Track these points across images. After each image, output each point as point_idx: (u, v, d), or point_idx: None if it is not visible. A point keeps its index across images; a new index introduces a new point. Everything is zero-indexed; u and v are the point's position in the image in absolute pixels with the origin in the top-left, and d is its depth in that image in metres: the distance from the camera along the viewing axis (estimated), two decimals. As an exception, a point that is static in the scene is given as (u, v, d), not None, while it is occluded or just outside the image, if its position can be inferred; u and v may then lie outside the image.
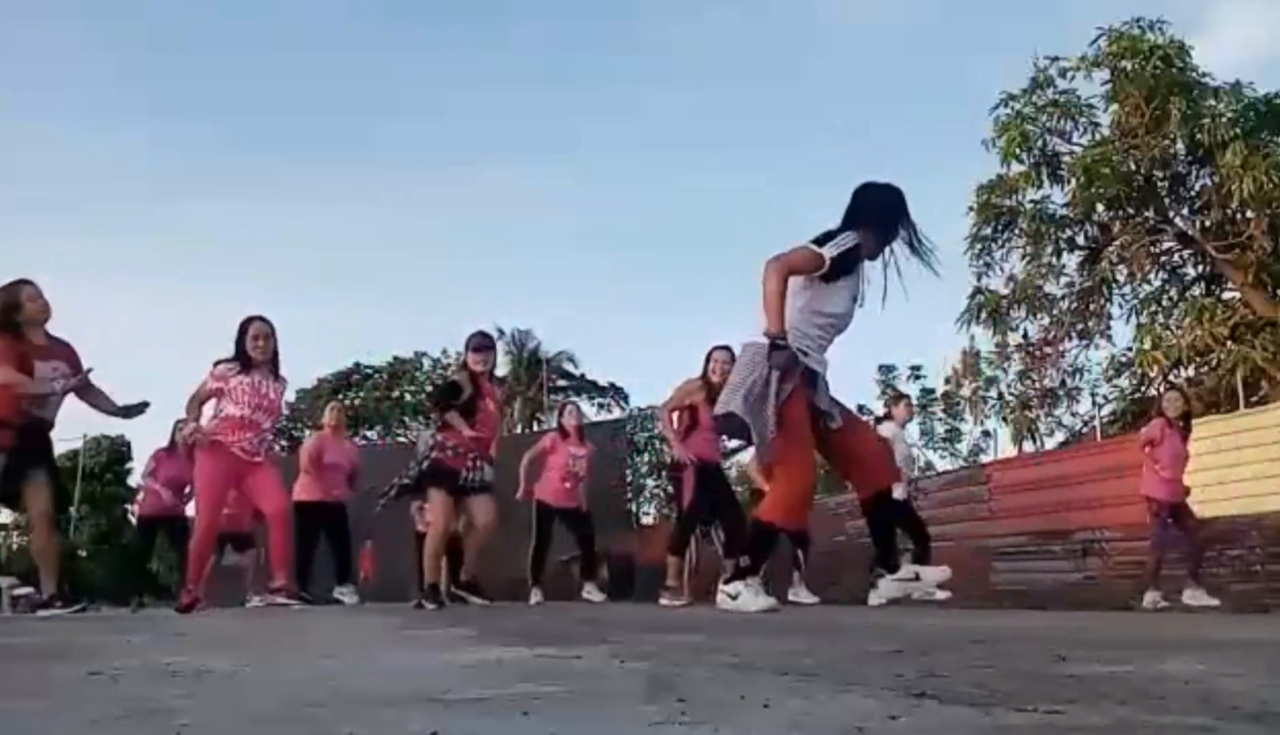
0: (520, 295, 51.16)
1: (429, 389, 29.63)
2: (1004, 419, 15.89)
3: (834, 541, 10.48)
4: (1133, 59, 12.76)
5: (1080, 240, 14.29)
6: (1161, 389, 12.97)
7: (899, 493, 6.55)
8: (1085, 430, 14.98)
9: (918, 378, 21.72)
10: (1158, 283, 14.43)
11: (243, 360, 5.51)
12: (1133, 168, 12.97)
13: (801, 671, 1.60)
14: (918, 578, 3.91)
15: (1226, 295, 13.73)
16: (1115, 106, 13.25)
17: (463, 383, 6.07)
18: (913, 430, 8.54)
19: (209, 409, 5.56)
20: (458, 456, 5.97)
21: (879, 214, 3.87)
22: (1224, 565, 7.71)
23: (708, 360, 6.35)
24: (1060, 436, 15.61)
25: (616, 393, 30.38)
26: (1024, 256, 14.24)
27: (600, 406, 29.24)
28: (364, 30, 44.76)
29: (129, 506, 30.36)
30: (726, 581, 3.97)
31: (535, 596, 7.31)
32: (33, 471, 4.85)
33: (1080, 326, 14.57)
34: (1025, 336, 14.83)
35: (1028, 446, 14.92)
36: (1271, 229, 12.16)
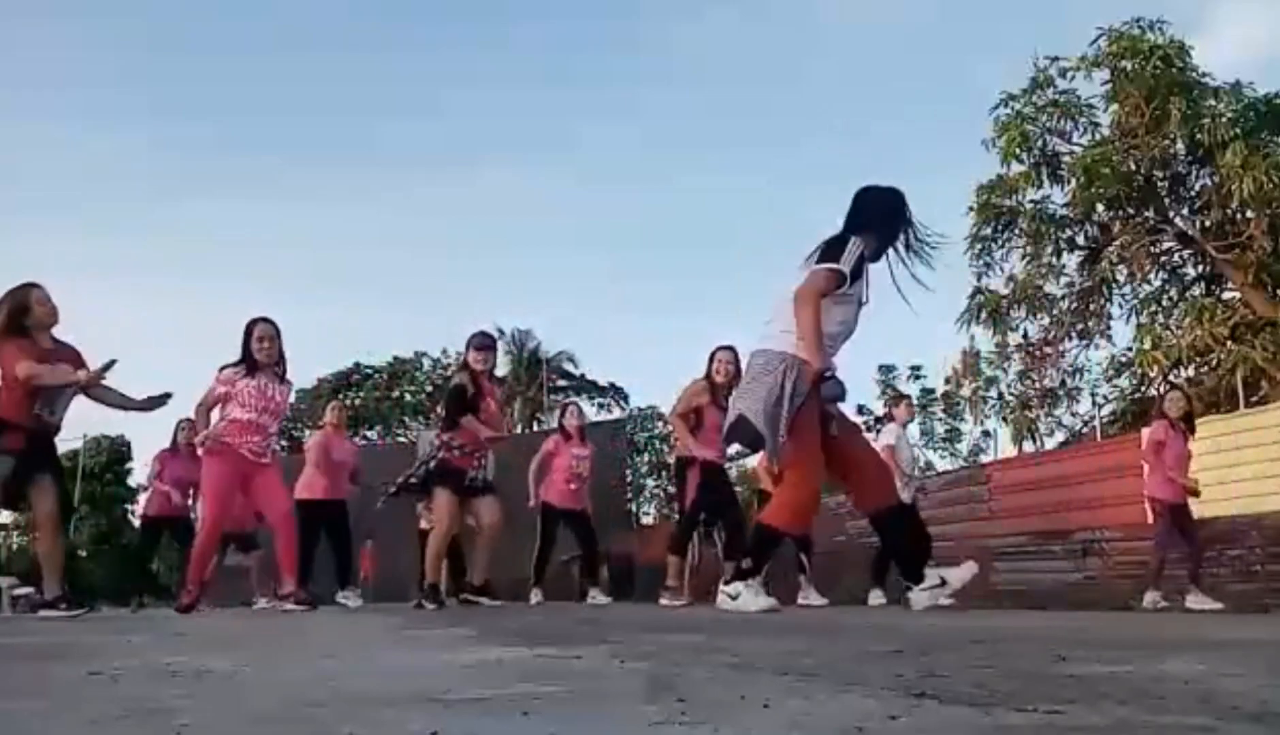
0: (520, 295, 51.23)
1: (429, 389, 29.70)
2: (1004, 419, 15.90)
3: (834, 542, 10.48)
4: (1133, 59, 12.76)
5: (1080, 240, 14.29)
6: (1162, 389, 12.97)
7: (905, 496, 6.56)
8: (1085, 430, 14.98)
9: (918, 378, 21.73)
10: (1158, 283, 14.44)
11: (248, 363, 5.53)
12: (1133, 168, 12.97)
13: (801, 671, 1.60)
14: (943, 582, 3.91)
15: (1226, 295, 13.73)
16: (1115, 106, 13.25)
17: (465, 383, 6.10)
18: (913, 430, 8.54)
19: (215, 413, 5.59)
20: (465, 456, 6.02)
21: (881, 217, 3.89)
22: (1224, 565, 7.71)
23: (711, 360, 6.35)
24: (1060, 436, 15.63)
25: (616, 393, 30.41)
26: (1024, 256, 14.25)
27: (600, 406, 29.29)
28: (364, 30, 44.84)
29: (129, 506, 30.40)
30: (727, 582, 3.97)
31: (535, 597, 7.32)
32: (39, 475, 4.86)
33: (1080, 326, 14.57)
34: (1025, 336, 14.84)
35: (1028, 446, 14.94)
36: (1271, 229, 12.16)
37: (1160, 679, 1.46)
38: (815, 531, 7.38)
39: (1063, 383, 15.13)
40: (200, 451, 8.00)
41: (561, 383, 29.54)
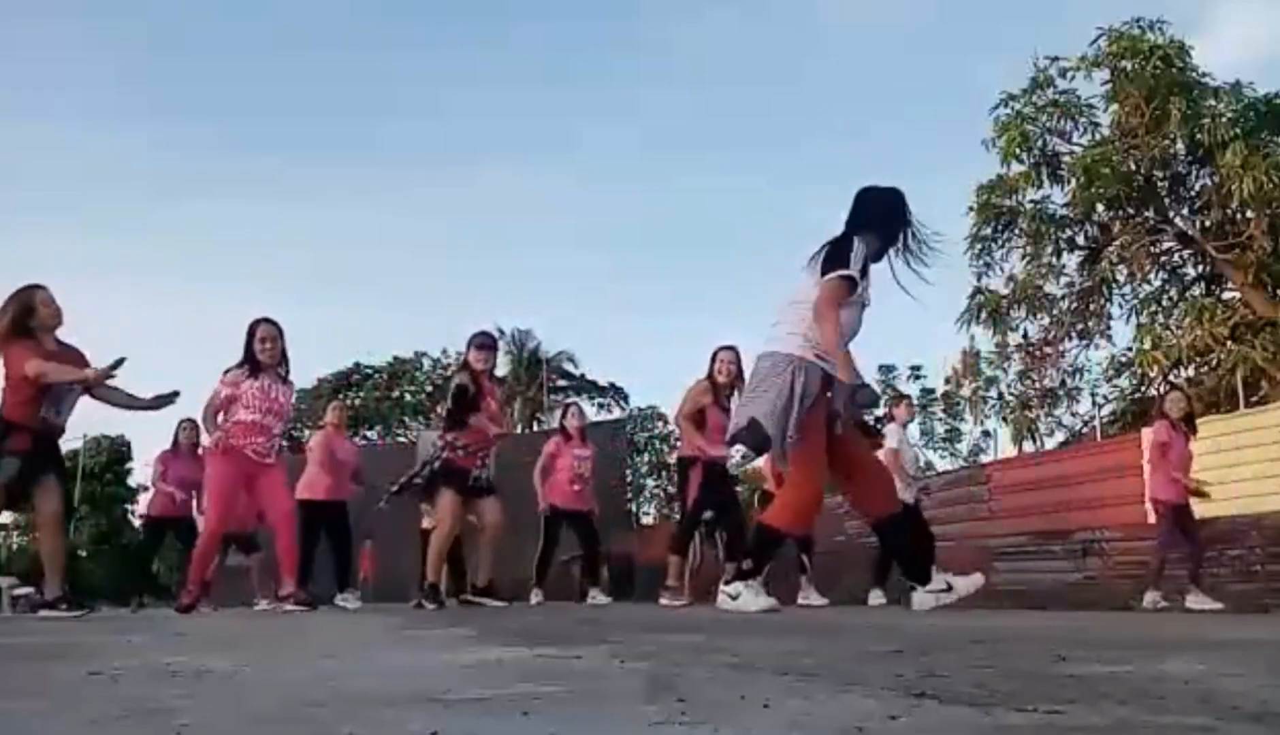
0: (520, 295, 51.27)
1: (429, 389, 29.71)
2: (1004, 419, 15.90)
3: (834, 541, 10.48)
4: (1133, 59, 12.76)
5: (1080, 240, 14.29)
6: (1162, 389, 12.97)
7: (907, 496, 6.56)
8: (1085, 430, 14.98)
9: (918, 378, 21.76)
10: (1158, 283, 14.45)
11: (251, 364, 5.54)
12: (1133, 168, 12.97)
13: (801, 671, 1.60)
14: (949, 588, 3.92)
15: (1226, 295, 13.73)
16: (1115, 106, 13.25)
17: (467, 382, 6.11)
18: (913, 430, 8.56)
19: (220, 415, 5.60)
20: (468, 456, 6.04)
21: (882, 217, 3.90)
22: (1224, 565, 7.71)
23: (713, 360, 6.36)
24: (1060, 436, 15.63)
25: (616, 393, 30.43)
26: (1024, 256, 14.25)
27: (600, 406, 29.31)
28: (364, 30, 44.87)
29: (129, 506, 30.41)
30: (727, 582, 3.98)
31: (536, 597, 7.32)
32: (44, 475, 4.88)
33: (1080, 326, 14.57)
34: (1025, 336, 14.84)
35: (1028, 446, 14.93)
36: (1271, 229, 12.16)
37: (1160, 679, 1.46)
38: (816, 531, 7.39)
39: (1063, 383, 15.14)
40: (186, 447, 8.07)
41: (561, 383, 29.55)
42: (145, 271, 48.19)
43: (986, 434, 18.49)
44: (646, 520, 24.99)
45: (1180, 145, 12.91)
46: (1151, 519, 7.13)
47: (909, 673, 1.51)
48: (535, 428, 25.99)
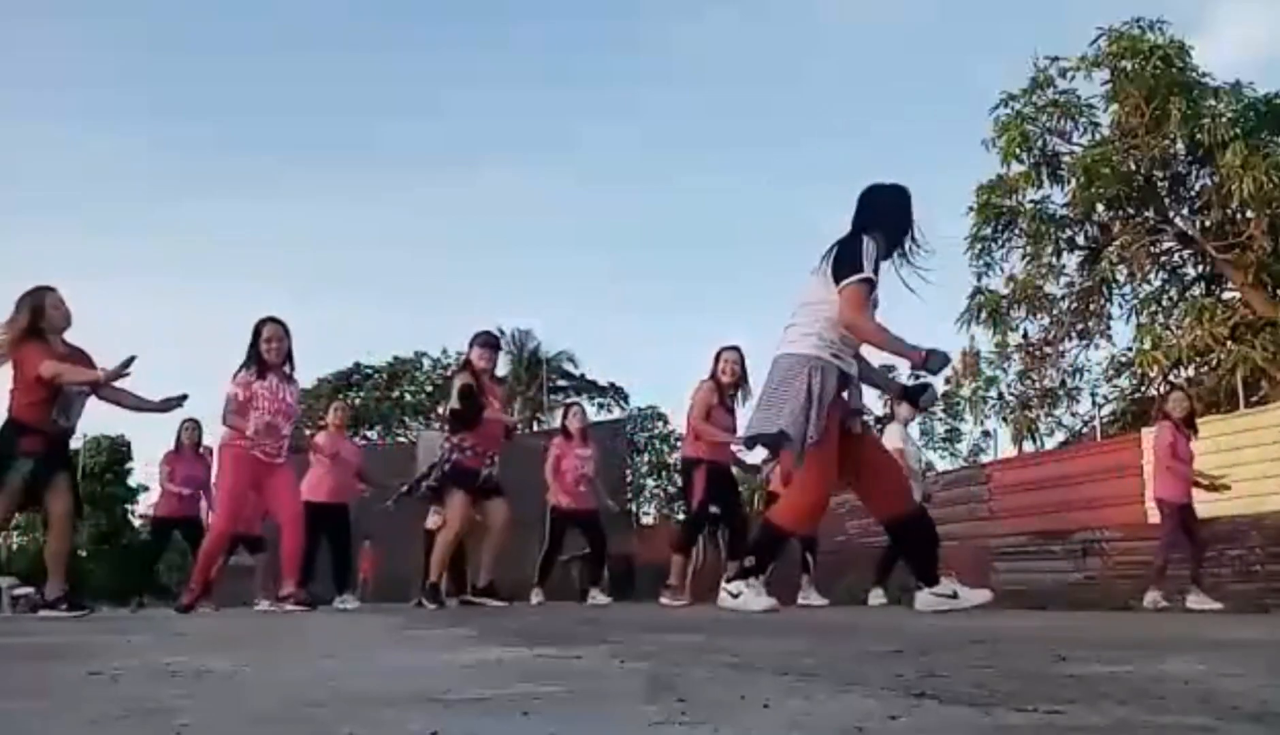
0: (520, 295, 51.23)
1: (429, 389, 29.72)
2: (1004, 419, 15.90)
3: (834, 541, 10.48)
4: (1133, 59, 12.76)
5: (1080, 240, 14.28)
6: (1162, 389, 12.97)
7: (916, 494, 6.56)
8: (1085, 430, 14.97)
9: (918, 378, 21.73)
10: (1158, 283, 14.44)
11: (258, 364, 5.55)
12: (1133, 168, 12.97)
13: (801, 671, 1.60)
14: (955, 596, 3.93)
15: (1226, 295, 13.73)
16: (1115, 106, 13.24)
17: (471, 382, 6.12)
18: (913, 430, 8.56)
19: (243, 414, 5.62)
20: (476, 456, 6.06)
21: (891, 215, 3.91)
22: (1224, 565, 7.71)
23: (717, 360, 6.37)
24: (1060, 436, 15.63)
25: (616, 393, 30.42)
26: (1024, 256, 14.25)
27: (600, 406, 29.31)
28: (364, 30, 44.87)
29: (129, 506, 30.43)
30: (729, 580, 3.98)
31: (537, 597, 7.33)
32: (56, 477, 4.92)
33: (1080, 326, 14.57)
34: (1025, 336, 14.84)
35: (1028, 446, 14.93)
36: (1271, 229, 12.15)
37: (1160, 679, 1.46)
38: (818, 532, 7.39)
39: (1063, 383, 15.13)
40: (189, 447, 8.08)
41: (561, 383, 29.55)
42: (145, 271, 48.26)
43: (986, 434, 18.51)
44: (646, 520, 25.01)
45: (1180, 145, 12.90)
46: (1152, 519, 7.13)
47: (909, 673, 1.51)
48: (535, 428, 25.99)
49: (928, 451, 20.49)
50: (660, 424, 28.08)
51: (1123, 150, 12.92)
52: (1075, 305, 14.41)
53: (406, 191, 46.39)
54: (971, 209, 14.07)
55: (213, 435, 8.44)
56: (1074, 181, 13.33)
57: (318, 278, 46.06)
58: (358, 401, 28.50)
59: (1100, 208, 13.57)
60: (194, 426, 8.15)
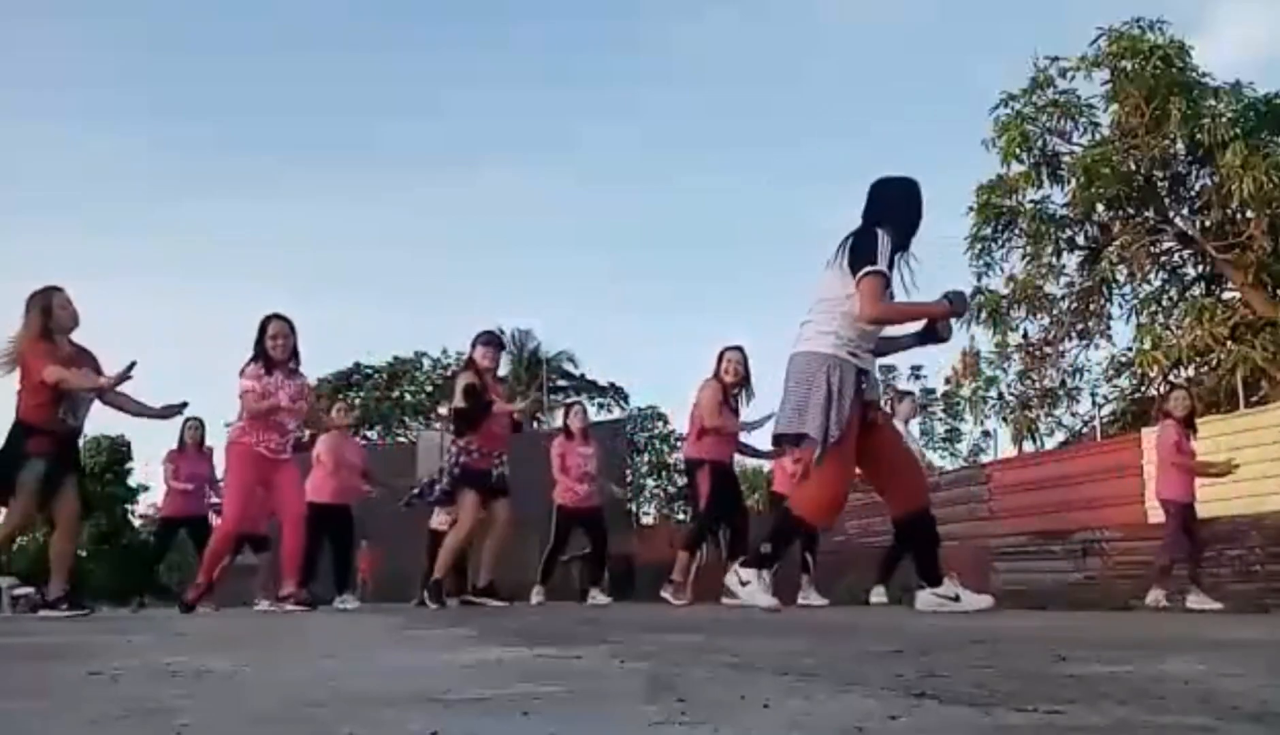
0: (520, 295, 51.26)
1: (429, 389, 29.71)
2: (1004, 419, 15.88)
3: (834, 541, 10.48)
4: (1133, 59, 12.75)
5: (1080, 240, 14.28)
6: (1162, 389, 12.97)
7: None
8: (1085, 430, 14.97)
9: (918, 378, 21.77)
10: (1158, 283, 14.43)
11: (265, 361, 5.57)
12: (1133, 168, 12.97)
13: (801, 671, 1.60)
14: (957, 598, 3.93)
15: (1226, 295, 13.72)
16: (1115, 106, 13.24)
17: (474, 381, 6.13)
18: (913, 429, 8.55)
19: (234, 414, 5.65)
20: (483, 457, 6.08)
21: (902, 208, 3.92)
22: (1224, 565, 7.71)
23: (720, 360, 6.38)
24: (1060, 436, 15.62)
25: (616, 393, 30.42)
26: (1024, 256, 14.24)
27: (600, 406, 29.29)
28: (364, 30, 44.85)
29: (129, 506, 30.43)
30: (744, 565, 3.97)
31: (538, 596, 7.34)
32: (66, 477, 4.95)
33: (1080, 326, 14.56)
34: (1025, 336, 14.83)
35: (1028, 446, 14.93)
36: (1271, 229, 12.15)
37: (1160, 679, 1.46)
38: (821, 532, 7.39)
39: (1063, 383, 15.12)
40: (192, 445, 8.09)
41: (561, 383, 29.54)
42: (145, 271, 48.21)
43: (986, 434, 18.51)
44: (646, 520, 25.02)
45: (1180, 145, 12.90)
46: (1152, 519, 7.13)
47: (909, 673, 1.51)
48: (535, 427, 25.98)
49: (928, 451, 20.48)
50: (660, 424, 28.10)
51: (1123, 150, 12.91)
52: (1075, 305, 14.40)
53: (406, 191, 46.41)
54: (971, 209, 14.07)
55: (214, 435, 8.49)
56: (1074, 181, 13.32)
57: (318, 278, 46.04)
58: (358, 401, 28.50)
59: (1100, 208, 13.56)
60: (197, 425, 8.16)
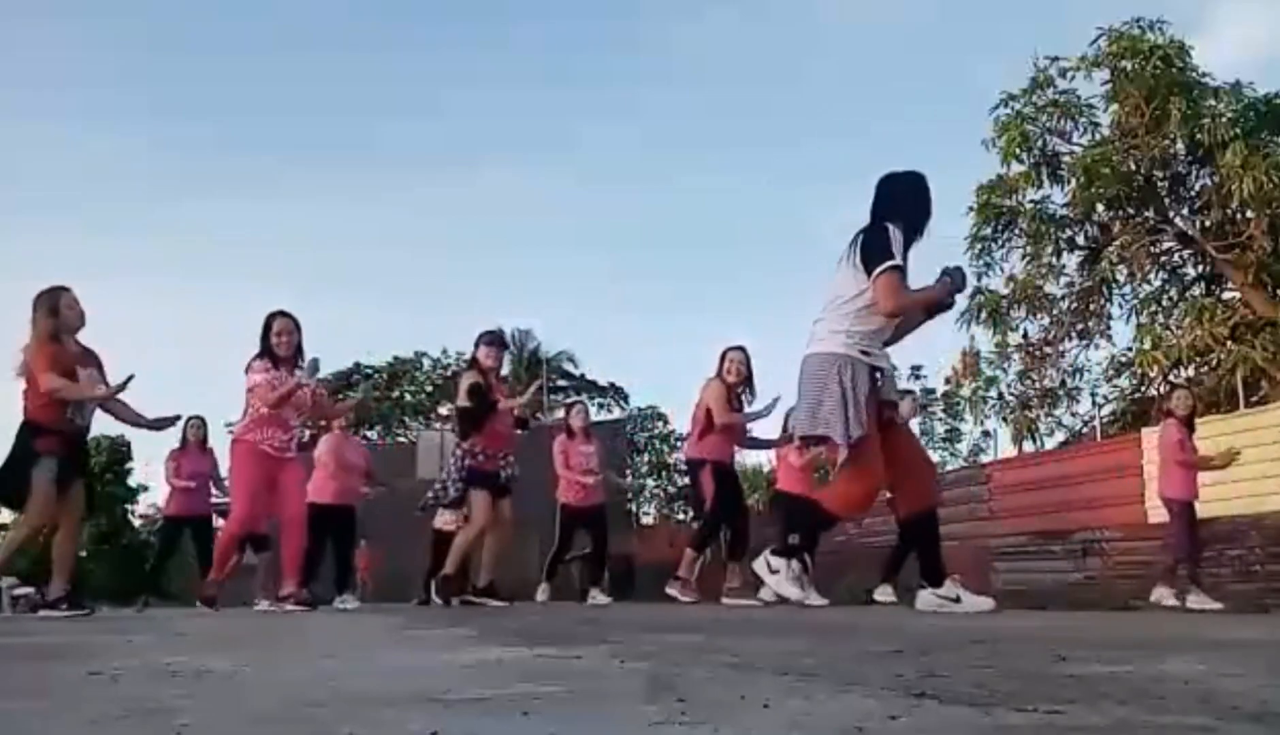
0: (520, 295, 51.14)
1: (429, 389, 29.71)
2: (1004, 419, 15.87)
3: (834, 541, 10.48)
4: (1133, 59, 12.75)
5: (1080, 240, 14.28)
6: (1162, 389, 12.97)
7: None
8: (1085, 430, 14.97)
9: (918, 377, 21.73)
10: (1158, 283, 14.43)
11: (270, 357, 5.57)
12: (1133, 168, 12.96)
13: (801, 671, 1.60)
14: (958, 600, 3.93)
15: (1226, 295, 13.72)
16: (1115, 106, 13.23)
17: (479, 380, 6.13)
18: (913, 428, 8.55)
19: (234, 414, 5.67)
20: (489, 458, 6.08)
21: (911, 203, 3.91)
22: (1224, 565, 7.71)
23: (722, 360, 6.39)
24: (1060, 436, 15.61)
25: (616, 393, 30.41)
26: (1024, 256, 14.23)
27: (600, 406, 29.27)
28: (364, 30, 44.74)
29: (129, 506, 30.42)
30: (775, 552, 3.96)
31: (543, 594, 7.37)
32: (75, 478, 4.99)
33: (1080, 326, 14.56)
34: (1025, 336, 14.83)
35: (1028, 446, 14.92)
36: (1271, 229, 12.15)
37: (1160, 679, 1.46)
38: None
39: (1063, 383, 15.11)
40: (194, 443, 8.09)
41: (561, 383, 29.52)
42: (145, 271, 48.03)
43: (986, 434, 18.47)
44: (646, 520, 25.01)
45: (1180, 145, 12.90)
46: (1153, 519, 7.13)
47: (909, 673, 1.51)
48: (536, 421, 25.95)
49: (929, 451, 20.47)
50: (660, 424, 28.08)
51: (1123, 150, 12.91)
52: (1075, 305, 14.40)
53: (406, 191, 46.31)
54: (971, 209, 14.07)
55: (214, 435, 8.48)
56: (1074, 181, 13.32)
57: (318, 278, 45.88)
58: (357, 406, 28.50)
59: (1100, 208, 13.56)
60: (199, 423, 8.16)
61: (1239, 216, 12.60)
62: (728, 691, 1.35)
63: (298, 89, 44.95)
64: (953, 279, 3.88)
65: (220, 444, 8.05)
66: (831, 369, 3.72)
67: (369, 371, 30.65)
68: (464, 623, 3.80)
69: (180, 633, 3.57)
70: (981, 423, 17.36)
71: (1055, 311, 14.45)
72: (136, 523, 30.10)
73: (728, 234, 44.98)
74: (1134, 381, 15.06)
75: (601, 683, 1.53)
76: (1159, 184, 13.52)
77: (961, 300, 14.31)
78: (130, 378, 4.95)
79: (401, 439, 25.73)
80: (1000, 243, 14.25)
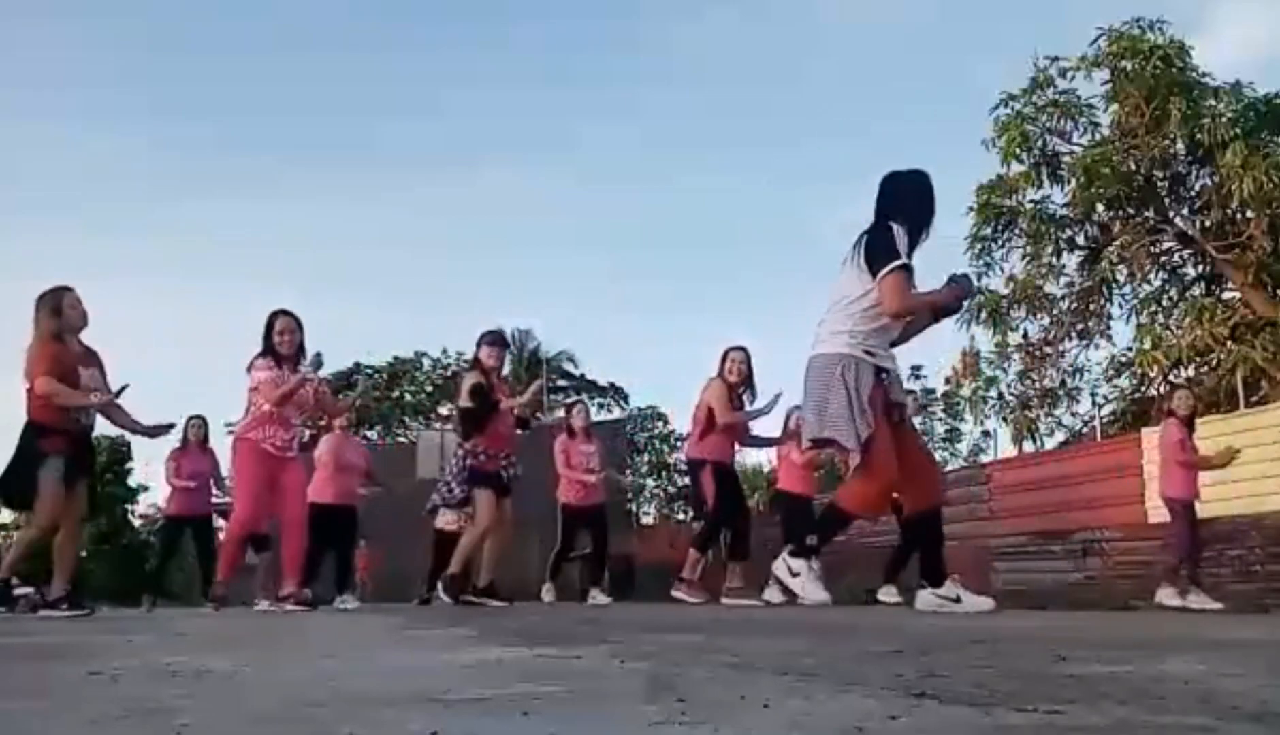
0: (520, 295, 51.07)
1: (429, 389, 29.70)
2: (1004, 419, 15.87)
3: (834, 541, 10.48)
4: (1133, 59, 12.75)
5: (1080, 240, 14.27)
6: (1162, 389, 12.96)
7: None
8: (1085, 430, 14.97)
9: (918, 377, 21.72)
10: (1158, 283, 14.42)
11: (272, 356, 5.58)
12: (1133, 168, 12.96)
13: (801, 671, 1.60)
14: (958, 600, 3.93)
15: (1226, 295, 13.71)
16: (1115, 106, 13.23)
17: (481, 380, 6.14)
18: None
19: (234, 414, 5.70)
20: (490, 459, 6.09)
21: (914, 201, 3.91)
22: (1224, 565, 7.71)
23: (723, 360, 6.40)
24: (1060, 436, 15.60)
25: (616, 393, 30.40)
26: (1024, 256, 14.23)
27: (600, 406, 29.25)
28: (364, 30, 44.69)
29: (129, 506, 30.41)
30: (793, 553, 3.96)
31: (548, 594, 7.39)
32: (80, 478, 5.01)
33: (1080, 326, 14.56)
34: (1025, 336, 14.82)
35: (1028, 446, 14.92)
36: (1271, 229, 12.15)
37: (1160, 679, 1.46)
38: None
39: (1063, 383, 15.11)
40: (195, 442, 8.10)
41: (561, 383, 29.51)
42: (145, 271, 47.97)
43: (986, 434, 18.46)
44: (646, 520, 25.00)
45: (1180, 145, 12.89)
46: (1153, 519, 7.13)
47: (909, 673, 1.51)
48: (536, 420, 25.94)
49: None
50: (660, 424, 28.07)
51: (1123, 150, 12.91)
52: (1075, 305, 14.40)
53: (406, 191, 46.28)
54: (971, 209, 14.06)
55: (214, 435, 8.49)
56: (1074, 181, 13.31)
57: (318, 278, 45.82)
58: (358, 402, 28.50)
59: (1100, 208, 13.55)
60: (200, 423, 8.16)
61: (1239, 216, 12.60)
62: (728, 691, 1.35)
63: (298, 89, 44.93)
64: (961, 285, 3.91)
65: (221, 444, 8.06)
66: (835, 370, 3.72)
67: (369, 371, 30.65)
68: (464, 623, 3.80)
69: (180, 633, 3.57)
70: (981, 423, 17.37)
71: (1055, 311, 14.45)
72: (136, 523, 30.09)
73: (728, 234, 44.97)
74: (1134, 381, 15.06)
75: (601, 683, 1.53)
76: (1159, 184, 13.52)
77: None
78: (125, 387, 5.02)
79: (401, 439, 25.71)
80: (1000, 243, 14.25)
